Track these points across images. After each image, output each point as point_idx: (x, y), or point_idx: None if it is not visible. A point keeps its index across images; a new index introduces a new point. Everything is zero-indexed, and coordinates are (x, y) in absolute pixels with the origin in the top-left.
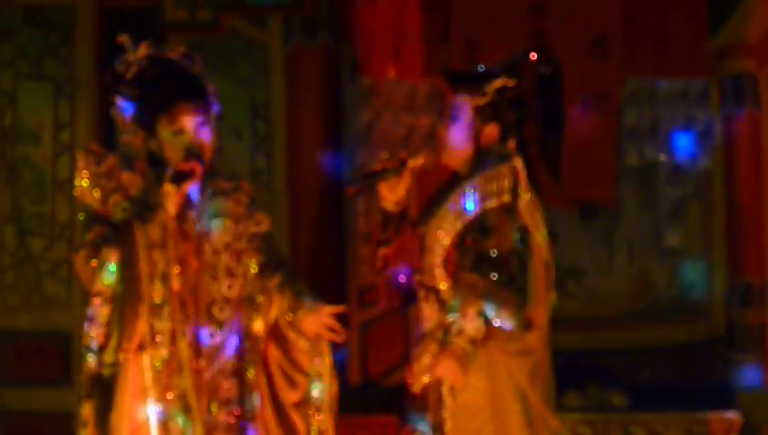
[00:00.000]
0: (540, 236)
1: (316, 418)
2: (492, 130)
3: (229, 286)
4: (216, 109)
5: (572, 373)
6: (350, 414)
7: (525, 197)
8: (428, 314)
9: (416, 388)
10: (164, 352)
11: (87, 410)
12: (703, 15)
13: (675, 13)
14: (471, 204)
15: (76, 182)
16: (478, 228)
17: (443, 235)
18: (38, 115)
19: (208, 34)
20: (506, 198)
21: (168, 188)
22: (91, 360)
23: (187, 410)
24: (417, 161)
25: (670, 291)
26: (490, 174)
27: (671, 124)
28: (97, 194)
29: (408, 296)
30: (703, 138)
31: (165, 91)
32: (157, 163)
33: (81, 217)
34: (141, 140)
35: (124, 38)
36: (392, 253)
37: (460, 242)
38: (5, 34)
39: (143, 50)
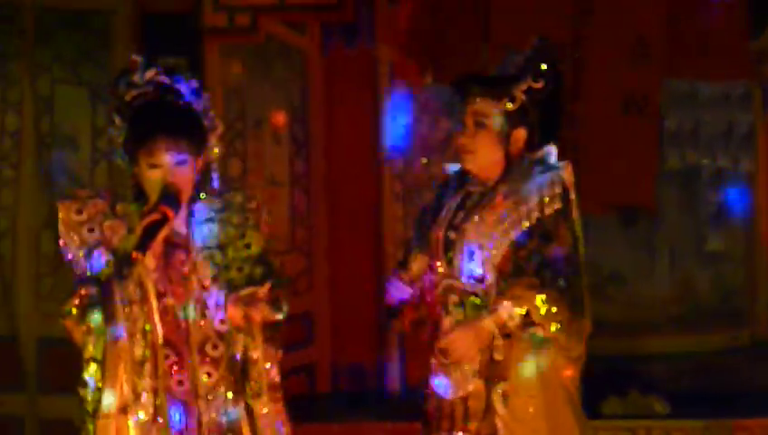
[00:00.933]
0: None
1: None
2: (520, 135)
3: (221, 321)
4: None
5: (613, 380)
6: (389, 421)
7: (574, 204)
8: (450, 324)
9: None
10: (149, 410)
11: None
12: (744, 18)
13: (716, 15)
14: (527, 212)
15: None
16: (539, 234)
17: (488, 241)
18: (75, 121)
19: (246, 39)
20: (559, 204)
21: (137, 255)
22: (90, 425)
23: None
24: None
25: (712, 296)
26: (544, 182)
27: (713, 127)
28: (80, 250)
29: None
30: (745, 141)
31: (149, 123)
32: (141, 195)
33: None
34: (128, 163)
35: (138, 59)
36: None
37: (515, 250)
38: (42, 39)
39: (150, 74)
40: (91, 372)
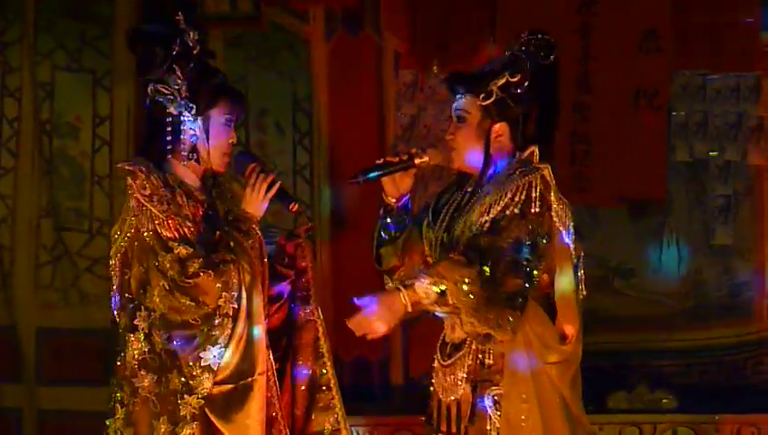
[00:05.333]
0: (568, 238)
1: None
2: (501, 130)
3: None
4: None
5: (620, 374)
6: (393, 414)
7: (555, 203)
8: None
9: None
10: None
11: (189, 432)
12: (755, 9)
13: (727, 7)
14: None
15: (132, 211)
16: (489, 228)
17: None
18: (76, 108)
19: (250, 27)
20: (519, 209)
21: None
22: (208, 381)
23: None
24: (423, 159)
25: (720, 290)
26: (516, 186)
27: (722, 120)
28: (158, 220)
29: None
30: (754, 134)
31: (225, 80)
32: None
33: (149, 245)
34: (192, 115)
35: (181, 17)
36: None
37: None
38: (43, 26)
39: (196, 35)
40: (219, 327)
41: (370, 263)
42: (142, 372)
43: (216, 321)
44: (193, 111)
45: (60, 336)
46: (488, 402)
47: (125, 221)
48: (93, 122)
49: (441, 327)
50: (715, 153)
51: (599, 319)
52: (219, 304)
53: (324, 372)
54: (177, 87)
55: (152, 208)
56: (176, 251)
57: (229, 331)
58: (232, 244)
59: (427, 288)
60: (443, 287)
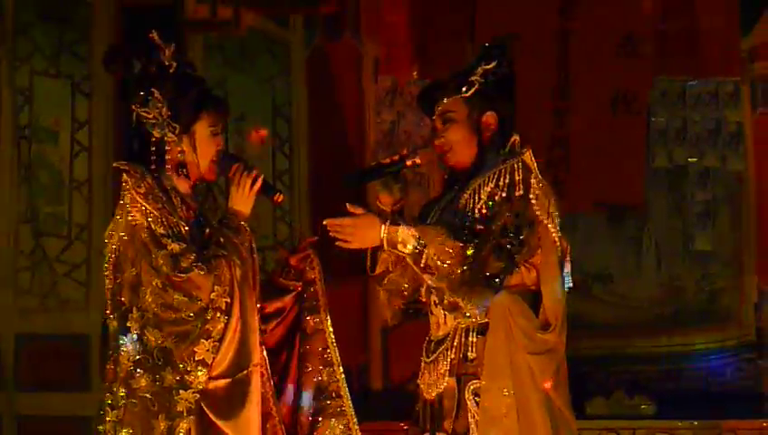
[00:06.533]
0: (552, 227)
1: None
2: (490, 119)
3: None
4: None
5: (599, 380)
6: (372, 420)
7: (536, 188)
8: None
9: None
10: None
11: (186, 427)
12: (735, 15)
13: (706, 12)
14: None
15: (127, 208)
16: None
17: None
18: (55, 113)
19: (229, 32)
20: (505, 193)
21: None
22: (202, 374)
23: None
24: (415, 159)
25: (699, 296)
26: (499, 170)
27: (701, 126)
28: (153, 217)
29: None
30: (733, 140)
31: (205, 90)
32: (182, 166)
33: (144, 241)
34: (175, 135)
35: (155, 34)
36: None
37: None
38: (21, 30)
39: (172, 50)
40: (212, 321)
41: (350, 268)
42: (138, 373)
43: (209, 315)
44: (177, 131)
45: (38, 342)
46: (468, 395)
47: (118, 221)
48: (72, 127)
49: (421, 334)
50: (694, 159)
51: (577, 325)
52: (212, 298)
53: (335, 379)
54: (157, 110)
55: (146, 205)
56: (169, 248)
57: (222, 325)
58: (222, 240)
59: (409, 237)
60: (423, 243)
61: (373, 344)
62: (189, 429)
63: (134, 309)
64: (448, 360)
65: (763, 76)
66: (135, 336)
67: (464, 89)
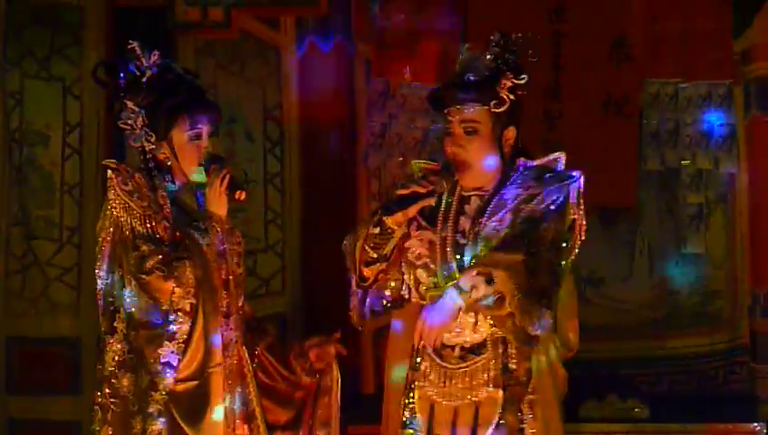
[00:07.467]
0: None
1: None
2: (511, 134)
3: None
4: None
5: (591, 383)
6: (364, 424)
7: (579, 220)
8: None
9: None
10: (233, 361)
11: (156, 429)
12: (727, 17)
13: (699, 15)
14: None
15: (111, 204)
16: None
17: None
18: (46, 116)
19: (220, 35)
20: (570, 212)
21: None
22: (169, 377)
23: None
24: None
25: (692, 299)
26: (555, 195)
27: (694, 128)
28: (135, 215)
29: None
30: (726, 142)
31: (182, 96)
32: (160, 171)
33: (126, 238)
34: (153, 143)
35: (135, 44)
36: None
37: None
38: (12, 33)
39: (155, 57)
40: (175, 323)
41: (340, 271)
42: (121, 373)
43: (172, 317)
44: (153, 139)
45: (29, 345)
46: (524, 408)
47: (105, 217)
48: (63, 130)
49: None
50: (686, 162)
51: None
52: (173, 299)
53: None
54: (131, 120)
55: (130, 202)
56: (141, 249)
57: (187, 326)
58: (187, 242)
59: (472, 281)
60: (492, 276)
61: (365, 347)
62: (160, 431)
63: (121, 310)
64: (490, 370)
65: (755, 78)
66: (121, 336)
67: (493, 103)
